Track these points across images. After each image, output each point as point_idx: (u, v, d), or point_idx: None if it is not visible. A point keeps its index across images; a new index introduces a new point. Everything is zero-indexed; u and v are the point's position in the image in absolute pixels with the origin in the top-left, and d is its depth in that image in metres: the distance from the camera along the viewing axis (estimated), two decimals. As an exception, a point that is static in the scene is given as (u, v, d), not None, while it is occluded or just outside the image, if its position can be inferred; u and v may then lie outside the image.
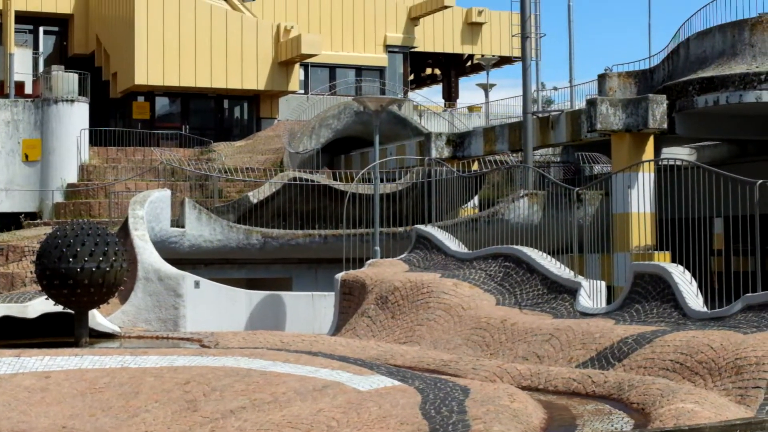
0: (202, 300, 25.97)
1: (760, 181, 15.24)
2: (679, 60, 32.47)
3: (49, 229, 28.13)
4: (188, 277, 26.05)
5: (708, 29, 31.53)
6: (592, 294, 17.55)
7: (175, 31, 47.22)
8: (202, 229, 30.56)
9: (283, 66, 49.18)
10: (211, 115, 50.98)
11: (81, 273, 14.78)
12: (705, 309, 15.09)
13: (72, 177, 39.82)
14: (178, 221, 30.60)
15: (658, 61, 33.52)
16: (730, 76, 29.24)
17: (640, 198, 28.54)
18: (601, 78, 33.08)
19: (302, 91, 52.88)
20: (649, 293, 16.02)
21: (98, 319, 16.92)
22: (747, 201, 15.21)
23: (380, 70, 55.30)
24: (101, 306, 15.91)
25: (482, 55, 58.87)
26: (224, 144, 45.32)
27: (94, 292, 14.96)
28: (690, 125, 31.30)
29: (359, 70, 54.96)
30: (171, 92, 49.12)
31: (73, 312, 15.33)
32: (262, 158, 41.82)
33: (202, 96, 49.71)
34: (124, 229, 26.96)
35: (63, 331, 16.25)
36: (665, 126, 30.55)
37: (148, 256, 25.87)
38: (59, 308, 15.51)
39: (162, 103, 50.17)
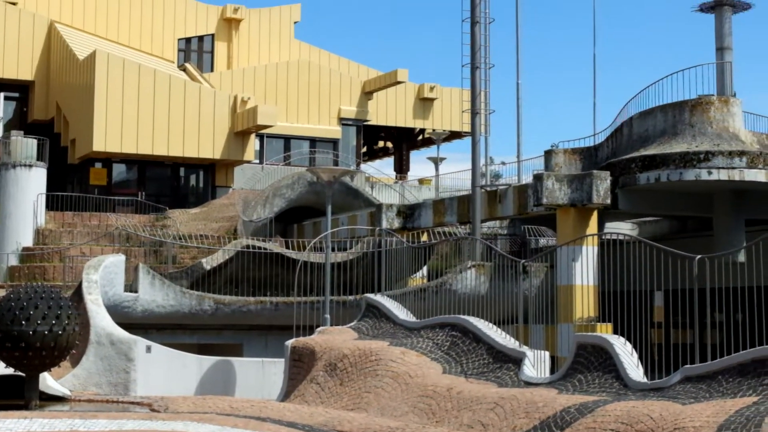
0: (153, 364, 25.70)
1: (699, 256, 15.37)
2: (622, 138, 32.81)
3: (2, 292, 27.79)
4: (140, 342, 25.80)
5: (650, 109, 31.91)
6: (536, 364, 17.54)
7: (134, 99, 47.20)
8: (156, 295, 30.32)
9: (239, 136, 49.22)
10: (168, 182, 50.84)
11: (33, 336, 14.60)
12: (645, 380, 15.12)
13: (28, 241, 39.44)
14: (131, 286, 30.36)
15: (603, 139, 33.84)
16: (671, 154, 29.56)
17: (584, 271, 28.68)
18: (548, 154, 33.32)
19: (257, 161, 52.91)
20: (591, 364, 16.04)
21: (49, 381, 16.70)
22: (686, 275, 15.32)
23: (334, 142, 55.47)
24: (52, 369, 15.70)
25: (433, 130, 59.25)
26: (179, 211, 45.14)
27: (45, 355, 14.78)
28: (632, 201, 31.56)
29: (313, 141, 55.10)
30: (128, 159, 48.97)
31: (23, 374, 15.11)
32: (216, 226, 41.67)
33: (158, 163, 49.58)
34: (78, 293, 26.70)
35: (13, 394, 16.00)
36: (609, 201, 30.78)
37: (100, 320, 25.61)
38: (10, 371, 15.29)
39: (119, 170, 50.00)
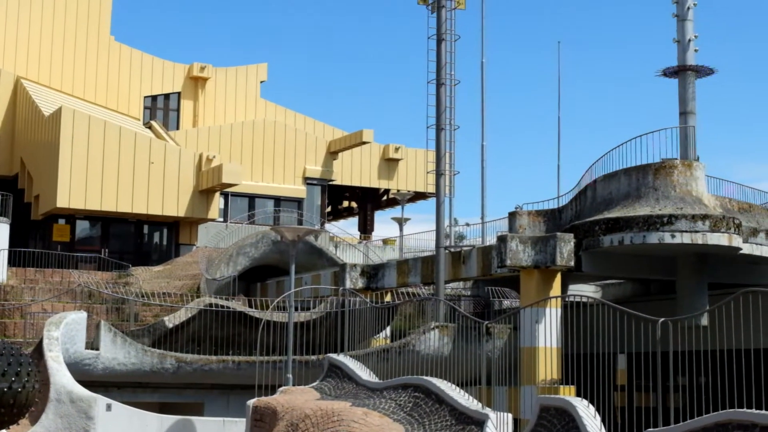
0: (113, 423, 25.40)
1: (662, 319, 15.39)
2: (586, 200, 32.96)
3: (-38, 348, 27.44)
4: (100, 400, 25.51)
5: (614, 172, 32.09)
6: (499, 426, 17.45)
7: (99, 156, 47.09)
8: (117, 352, 30.05)
9: (203, 194, 49.14)
10: (131, 239, 50.62)
11: (-8, 393, 14.39)
12: (608, 443, 15.05)
13: (-12, 297, 39.07)
14: (93, 344, 30.08)
15: (567, 201, 33.97)
16: (635, 217, 29.70)
17: (547, 333, 28.66)
18: (512, 216, 33.40)
19: (221, 219, 52.81)
20: (554, 426, 15.97)
21: (7, 440, 16.43)
22: (650, 338, 15.32)
23: (298, 201, 55.50)
24: (11, 426, 15.47)
25: (398, 190, 59.39)
26: (142, 268, 44.90)
27: (4, 412, 14.57)
28: (596, 263, 31.64)
29: (278, 200, 55.11)
30: (92, 216, 48.76)
31: (-19, 432, 14.89)
32: (179, 283, 41.45)
33: (122, 220, 49.38)
34: (39, 350, 26.42)
35: (-30, 452, 15.75)
36: (572, 264, 30.85)
37: (60, 377, 25.32)
38: (-32, 428, 15.06)
39: (82, 227, 49.74)
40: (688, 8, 39.66)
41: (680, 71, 39.82)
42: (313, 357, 30.61)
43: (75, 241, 48.98)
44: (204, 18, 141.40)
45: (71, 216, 48.66)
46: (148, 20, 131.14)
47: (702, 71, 40.00)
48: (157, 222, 50.26)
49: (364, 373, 22.59)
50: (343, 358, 23.61)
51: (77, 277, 41.10)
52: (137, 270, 44.24)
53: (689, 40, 39.82)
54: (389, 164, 60.74)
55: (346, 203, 68.01)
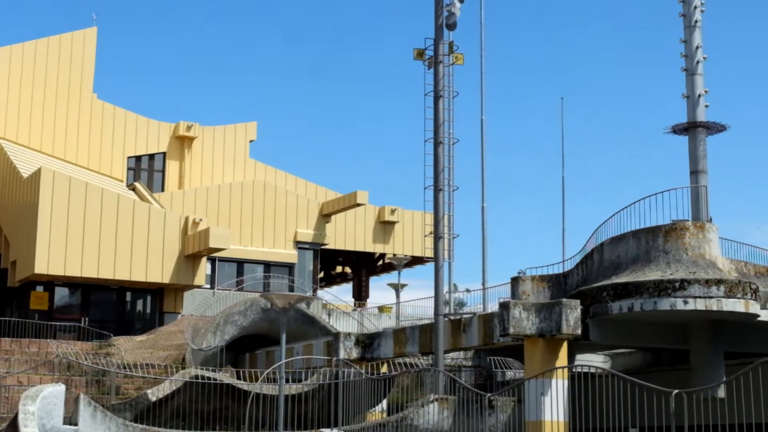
0: (91, 504, 25.06)
1: (676, 391, 15.19)
2: (593, 265, 32.83)
3: (-69, 424, 27.18)
4: (78, 479, 25.17)
5: (622, 235, 31.99)
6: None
7: (80, 220, 46.97)
8: (97, 428, 29.70)
9: (189, 259, 48.97)
10: (113, 307, 50.38)
11: (-40, 473, 14.15)
12: None
13: (-39, 369, 38.78)
14: (71, 418, 29.73)
15: (572, 266, 33.85)
16: (645, 282, 29.53)
17: (554, 406, 28.36)
18: (515, 281, 33.24)
19: (208, 286, 52.64)
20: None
21: None
22: (663, 411, 15.11)
23: (289, 267, 55.36)
24: None
25: (394, 255, 59.31)
26: (125, 338, 44.63)
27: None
28: (604, 332, 31.41)
29: (268, 265, 54.97)
30: (71, 282, 48.54)
31: None
32: (163, 354, 41.15)
33: (103, 287, 49.16)
34: (14, 426, 26.12)
35: None
36: (579, 332, 30.61)
37: (36, 455, 25.00)
38: None
39: (61, 294, 49.51)
40: (698, 62, 39.83)
41: (690, 128, 39.87)
42: (305, 432, 30.31)
43: (53, 309, 48.73)
44: (191, 75, 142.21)
45: (50, 283, 48.44)
46: (132, 78, 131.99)
47: (713, 128, 40.04)
48: (141, 289, 50.04)
49: (359, 450, 22.32)
50: (336, 434, 23.35)
51: (55, 347, 40.80)
52: (119, 340, 43.96)
53: (699, 96, 39.92)
54: (385, 227, 60.69)
55: (339, 268, 67.88)
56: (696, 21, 40.23)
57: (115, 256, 47.56)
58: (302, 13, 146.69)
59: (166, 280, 48.53)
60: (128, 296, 50.88)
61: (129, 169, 58.68)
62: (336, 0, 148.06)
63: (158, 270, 48.32)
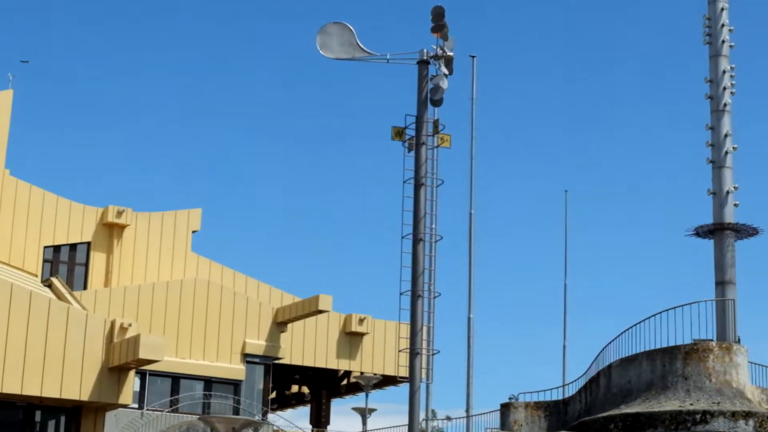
0: None
1: None
2: (599, 390, 33.00)
3: None
4: None
5: (634, 356, 32.20)
6: None
7: (-18, 322, 46.82)
8: None
9: (114, 372, 48.80)
10: (18, 429, 50.08)
11: None
12: None
13: None
14: None
15: (574, 391, 34.01)
16: (660, 413, 29.73)
17: None
18: (505, 408, 33.37)
19: (136, 405, 52.38)
20: None
21: None
22: None
23: (235, 385, 55.18)
24: None
25: (361, 373, 59.17)
26: (31, 467, 44.36)
27: None
28: (611, 471, 31.50)
29: (209, 382, 54.79)
30: (-32, 399, 48.28)
31: None
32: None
33: (8, 404, 48.86)
34: None
35: None
36: (581, 471, 30.74)
37: None
38: None
39: (-44, 412, 49.24)
40: (726, 153, 40.03)
41: (717, 230, 39.99)
42: None
43: (-54, 430, 48.45)
44: (123, 152, 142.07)
45: (-58, 398, 48.24)
46: (53, 152, 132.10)
47: (744, 231, 40.23)
48: (53, 408, 49.76)
49: None
50: None
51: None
52: (25, 469, 43.71)
53: (728, 192, 39.95)
54: (351, 339, 60.65)
55: (295, 388, 67.67)
56: (725, 104, 40.40)
57: (24, 366, 47.30)
58: (253, 83, 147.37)
59: (85, 397, 48.28)
60: (38, 416, 50.56)
61: (45, 261, 58.60)
62: (298, 67, 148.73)
63: (76, 385, 48.06)
